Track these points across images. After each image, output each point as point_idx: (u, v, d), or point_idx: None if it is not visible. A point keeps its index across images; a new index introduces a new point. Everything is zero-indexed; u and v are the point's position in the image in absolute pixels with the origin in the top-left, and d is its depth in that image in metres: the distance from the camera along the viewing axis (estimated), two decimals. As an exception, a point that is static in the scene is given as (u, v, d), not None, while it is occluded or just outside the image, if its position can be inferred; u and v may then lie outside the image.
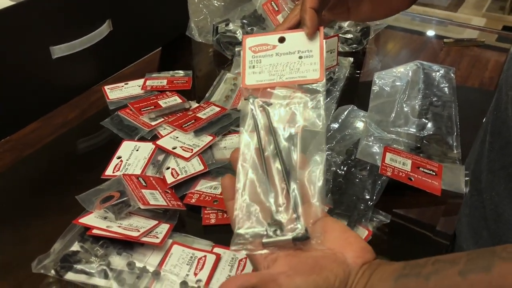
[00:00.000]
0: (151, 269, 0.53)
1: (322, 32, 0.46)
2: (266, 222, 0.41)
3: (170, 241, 0.57)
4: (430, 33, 1.18)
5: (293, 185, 0.42)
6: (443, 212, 0.65)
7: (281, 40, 0.46)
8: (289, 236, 0.40)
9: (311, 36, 0.46)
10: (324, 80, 0.45)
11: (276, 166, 0.43)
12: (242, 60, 0.46)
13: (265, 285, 0.38)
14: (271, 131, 0.44)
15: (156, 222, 0.59)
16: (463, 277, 0.34)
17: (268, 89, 0.45)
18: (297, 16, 0.48)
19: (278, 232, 0.40)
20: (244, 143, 0.44)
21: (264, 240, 0.40)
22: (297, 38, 0.46)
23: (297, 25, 0.48)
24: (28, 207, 0.66)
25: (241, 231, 0.41)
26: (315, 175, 0.43)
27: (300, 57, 0.46)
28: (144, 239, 0.56)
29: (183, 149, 0.70)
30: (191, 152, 0.70)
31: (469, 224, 0.60)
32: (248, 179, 0.43)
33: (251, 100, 0.45)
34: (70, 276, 0.53)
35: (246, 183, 0.42)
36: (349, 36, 0.99)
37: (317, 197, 0.42)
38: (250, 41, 0.47)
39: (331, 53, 0.88)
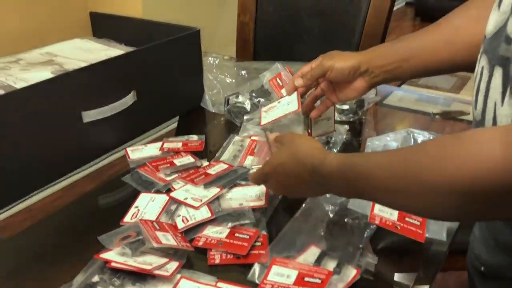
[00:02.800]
0: (160, 298, 0.60)
1: (299, 94, 0.85)
2: None
3: (179, 275, 0.64)
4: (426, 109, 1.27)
5: None
6: (426, 257, 0.70)
7: (279, 101, 0.89)
8: None
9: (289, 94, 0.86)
10: (300, 109, 0.83)
11: None
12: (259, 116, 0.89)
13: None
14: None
15: (167, 259, 0.66)
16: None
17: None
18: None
19: None
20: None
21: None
22: (286, 100, 0.87)
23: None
24: (52, 258, 0.73)
25: None
26: None
27: (288, 104, 0.85)
28: (156, 272, 0.63)
29: (193, 200, 0.79)
30: (200, 201, 0.78)
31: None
32: None
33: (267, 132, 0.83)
34: (89, 303, 0.60)
35: None
36: (345, 107, 1.10)
37: None
38: (264, 109, 0.91)
39: (328, 120, 0.99)
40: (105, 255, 0.65)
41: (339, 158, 0.60)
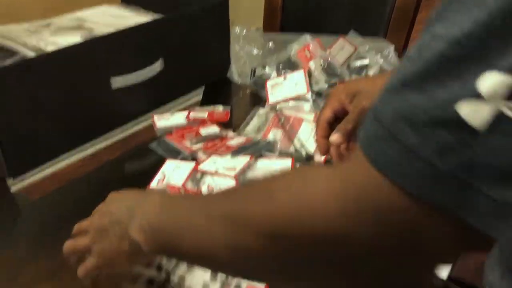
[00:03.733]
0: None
1: (306, 73, 0.93)
2: None
3: None
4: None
5: None
6: None
7: (285, 78, 0.95)
8: None
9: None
10: (309, 92, 0.92)
11: None
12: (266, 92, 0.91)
13: None
14: None
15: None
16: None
17: None
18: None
19: None
20: None
21: None
22: (292, 77, 0.94)
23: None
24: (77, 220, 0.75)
25: None
26: None
27: (296, 84, 0.89)
28: None
29: (226, 169, 0.79)
30: (235, 170, 0.78)
31: None
32: None
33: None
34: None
35: None
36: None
37: None
38: (269, 82, 0.93)
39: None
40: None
41: (164, 192, 0.54)
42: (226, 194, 0.44)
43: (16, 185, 0.82)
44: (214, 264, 0.43)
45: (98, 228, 0.52)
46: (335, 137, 0.65)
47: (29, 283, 0.63)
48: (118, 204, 0.53)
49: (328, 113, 0.68)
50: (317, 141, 0.69)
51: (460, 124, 0.26)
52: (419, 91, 0.28)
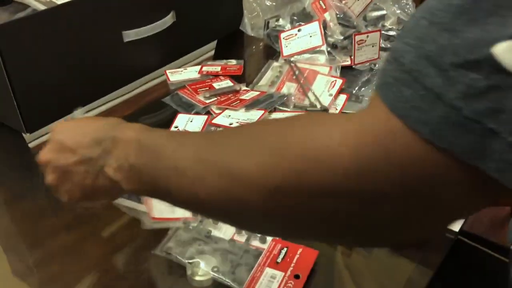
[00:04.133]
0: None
1: (321, 24, 0.90)
2: None
3: None
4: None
5: None
6: None
7: (299, 30, 0.86)
8: None
9: None
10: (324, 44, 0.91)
11: None
12: (280, 45, 0.88)
13: None
14: None
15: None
16: None
17: None
18: None
19: None
20: None
21: None
22: (307, 28, 0.87)
23: None
24: None
25: None
26: None
27: (311, 36, 0.84)
28: None
29: (239, 123, 0.79)
30: (248, 124, 0.78)
31: None
32: None
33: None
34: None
35: None
36: (391, 33, 1.05)
37: None
38: (283, 35, 0.87)
39: (373, 46, 0.95)
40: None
41: (139, 128, 0.44)
42: (224, 136, 0.41)
43: (33, 142, 0.83)
44: (204, 211, 0.41)
45: (61, 168, 0.46)
46: None
47: (48, 235, 0.64)
48: (79, 138, 0.45)
49: None
50: None
51: (494, 67, 0.25)
52: (450, 30, 0.27)
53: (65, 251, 0.61)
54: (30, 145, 0.82)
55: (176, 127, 0.80)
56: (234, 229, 0.58)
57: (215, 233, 0.58)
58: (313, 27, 0.94)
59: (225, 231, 0.58)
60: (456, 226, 0.63)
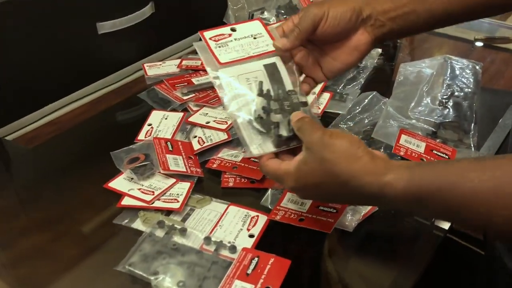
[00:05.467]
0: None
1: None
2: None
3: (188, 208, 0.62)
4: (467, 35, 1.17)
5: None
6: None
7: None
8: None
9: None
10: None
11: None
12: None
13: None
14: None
15: (174, 180, 0.64)
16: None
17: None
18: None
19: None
20: None
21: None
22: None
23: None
24: (72, 170, 0.72)
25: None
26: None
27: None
28: (162, 204, 0.61)
29: (217, 123, 0.75)
30: (226, 124, 0.75)
31: None
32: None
33: None
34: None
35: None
36: (379, 28, 1.01)
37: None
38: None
39: (359, 42, 0.91)
40: (114, 183, 0.64)
41: (407, 178, 0.43)
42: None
43: (11, 135, 0.80)
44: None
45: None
46: (281, 42, 0.56)
47: (19, 236, 0.61)
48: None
49: (289, 23, 0.57)
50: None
51: None
52: None
53: (37, 252, 0.58)
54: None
55: (149, 124, 0.77)
56: (202, 239, 0.55)
57: (183, 241, 0.55)
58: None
59: (193, 240, 0.55)
60: (445, 224, 0.61)
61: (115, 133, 0.81)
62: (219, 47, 0.58)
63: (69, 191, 0.67)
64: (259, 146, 0.54)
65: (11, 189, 0.70)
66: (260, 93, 0.55)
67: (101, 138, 0.79)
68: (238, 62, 0.57)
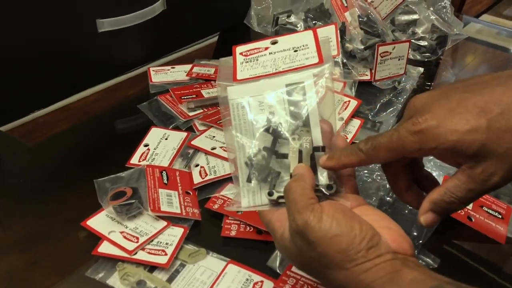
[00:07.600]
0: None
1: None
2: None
3: (178, 262, 0.51)
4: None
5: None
6: (505, 264, 0.54)
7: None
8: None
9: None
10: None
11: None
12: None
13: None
14: None
15: (165, 223, 0.53)
16: None
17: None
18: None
19: None
20: None
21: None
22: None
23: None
24: (58, 182, 0.63)
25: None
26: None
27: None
28: (146, 257, 0.50)
29: (224, 150, 0.64)
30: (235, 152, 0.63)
31: None
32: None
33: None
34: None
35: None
36: (423, 43, 0.88)
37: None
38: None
39: (399, 59, 0.79)
40: (93, 221, 0.53)
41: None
42: None
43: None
44: None
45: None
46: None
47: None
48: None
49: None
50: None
51: None
52: None
53: (11, 277, 0.50)
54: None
55: (146, 145, 0.65)
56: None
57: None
58: (329, 31, 0.77)
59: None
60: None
61: (108, 151, 0.70)
62: (246, 62, 0.46)
63: (57, 204, 0.58)
64: (252, 194, 0.43)
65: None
66: (267, 128, 0.43)
67: (96, 147, 0.69)
68: (258, 79, 0.44)
